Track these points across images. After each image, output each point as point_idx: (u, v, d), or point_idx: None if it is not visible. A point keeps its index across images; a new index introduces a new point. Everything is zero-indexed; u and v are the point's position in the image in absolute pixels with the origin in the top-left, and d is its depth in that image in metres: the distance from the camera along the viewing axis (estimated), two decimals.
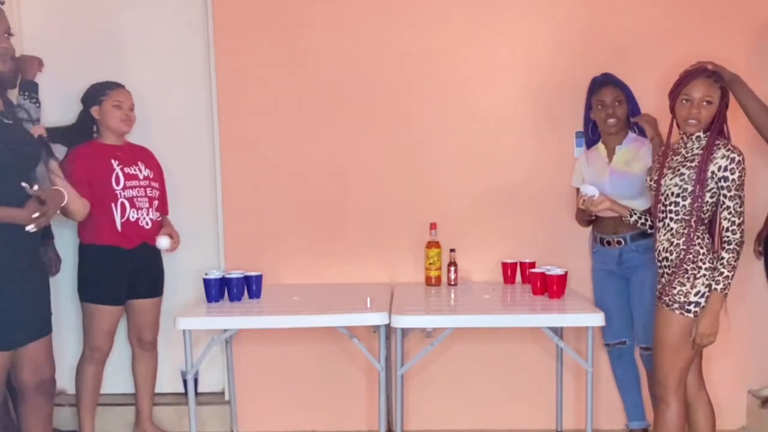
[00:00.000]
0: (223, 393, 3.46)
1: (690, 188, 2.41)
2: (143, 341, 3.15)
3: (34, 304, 2.41)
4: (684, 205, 2.42)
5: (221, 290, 2.88)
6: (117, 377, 3.33)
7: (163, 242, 2.99)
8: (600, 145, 3.05)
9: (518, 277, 3.18)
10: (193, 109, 3.38)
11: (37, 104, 2.96)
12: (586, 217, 3.00)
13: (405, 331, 2.76)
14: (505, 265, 3.19)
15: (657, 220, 2.53)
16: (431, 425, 3.37)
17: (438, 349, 2.91)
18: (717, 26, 3.18)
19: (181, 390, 3.37)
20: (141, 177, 3.02)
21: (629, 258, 2.91)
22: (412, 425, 3.34)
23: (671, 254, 2.46)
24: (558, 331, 2.92)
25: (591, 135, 3.10)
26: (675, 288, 2.43)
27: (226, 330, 2.81)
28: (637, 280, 2.90)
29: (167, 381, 3.41)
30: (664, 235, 2.49)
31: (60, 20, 3.31)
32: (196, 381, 2.81)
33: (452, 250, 3.15)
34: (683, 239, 2.43)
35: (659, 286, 2.55)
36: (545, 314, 2.65)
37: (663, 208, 2.49)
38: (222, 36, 3.28)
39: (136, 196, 2.99)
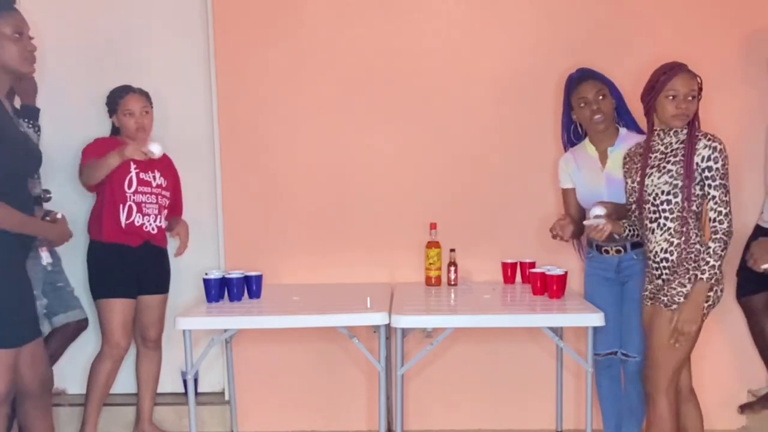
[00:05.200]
0: (223, 393, 3.46)
1: (681, 184, 2.39)
2: (147, 339, 3.15)
3: (30, 305, 2.42)
4: (677, 202, 2.41)
5: (221, 290, 2.87)
6: (117, 377, 3.32)
7: (153, 147, 2.86)
8: (588, 145, 2.88)
9: (518, 277, 3.18)
10: (193, 109, 3.38)
11: (38, 131, 2.92)
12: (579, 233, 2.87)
13: (405, 331, 2.75)
14: (505, 265, 3.18)
15: (648, 222, 2.50)
16: (431, 425, 3.37)
17: (438, 349, 2.90)
18: (711, 28, 3.20)
19: (181, 390, 3.37)
20: (154, 185, 3.05)
21: (629, 265, 2.78)
22: (412, 425, 3.34)
23: (672, 254, 2.44)
24: (558, 331, 2.92)
25: (574, 138, 2.98)
26: (675, 288, 2.42)
27: (226, 330, 2.81)
28: (633, 285, 2.78)
29: (167, 381, 3.40)
30: (661, 235, 2.46)
31: (58, 21, 3.30)
32: (196, 381, 2.81)
33: (452, 250, 3.15)
34: (683, 238, 2.42)
35: (650, 286, 2.54)
36: (545, 314, 2.64)
37: (654, 209, 2.47)
38: (222, 36, 3.28)
39: (145, 202, 3.01)
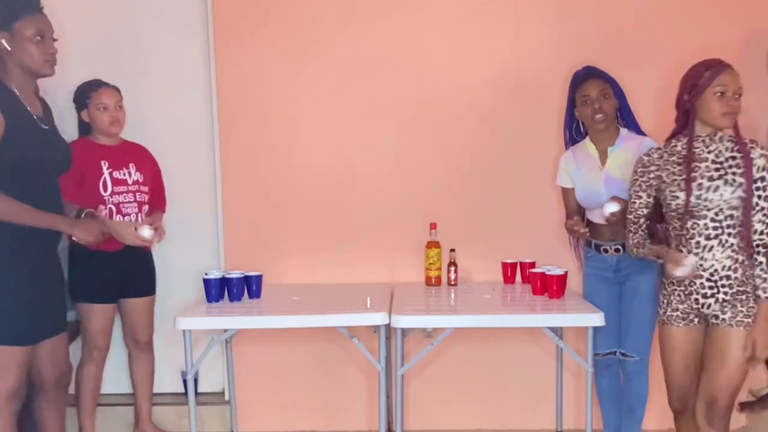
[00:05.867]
0: (223, 393, 3.46)
1: (746, 196, 2.26)
2: (138, 342, 3.13)
3: (52, 301, 2.43)
4: (738, 216, 2.28)
5: (221, 290, 2.87)
6: (117, 377, 3.33)
7: (144, 232, 2.79)
8: (588, 144, 2.89)
9: (518, 277, 3.18)
10: (193, 109, 3.38)
11: None
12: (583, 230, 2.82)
13: (405, 331, 2.75)
14: (505, 265, 3.18)
15: (702, 238, 2.32)
16: (431, 425, 3.37)
17: (438, 349, 2.90)
18: (711, 27, 3.19)
19: (181, 390, 3.37)
20: (130, 182, 2.96)
21: (627, 264, 2.77)
22: (412, 425, 3.35)
23: (736, 272, 2.30)
24: (558, 331, 2.92)
25: (575, 135, 2.98)
26: (745, 306, 2.31)
27: (226, 330, 2.81)
28: (631, 285, 2.78)
29: (167, 381, 3.41)
30: (723, 252, 2.30)
31: (57, 20, 3.29)
32: (196, 381, 2.81)
33: (452, 250, 3.15)
34: (746, 254, 2.29)
35: (682, 306, 2.41)
36: (545, 314, 2.64)
37: (715, 225, 2.30)
38: (222, 36, 3.28)
39: (123, 202, 2.94)
